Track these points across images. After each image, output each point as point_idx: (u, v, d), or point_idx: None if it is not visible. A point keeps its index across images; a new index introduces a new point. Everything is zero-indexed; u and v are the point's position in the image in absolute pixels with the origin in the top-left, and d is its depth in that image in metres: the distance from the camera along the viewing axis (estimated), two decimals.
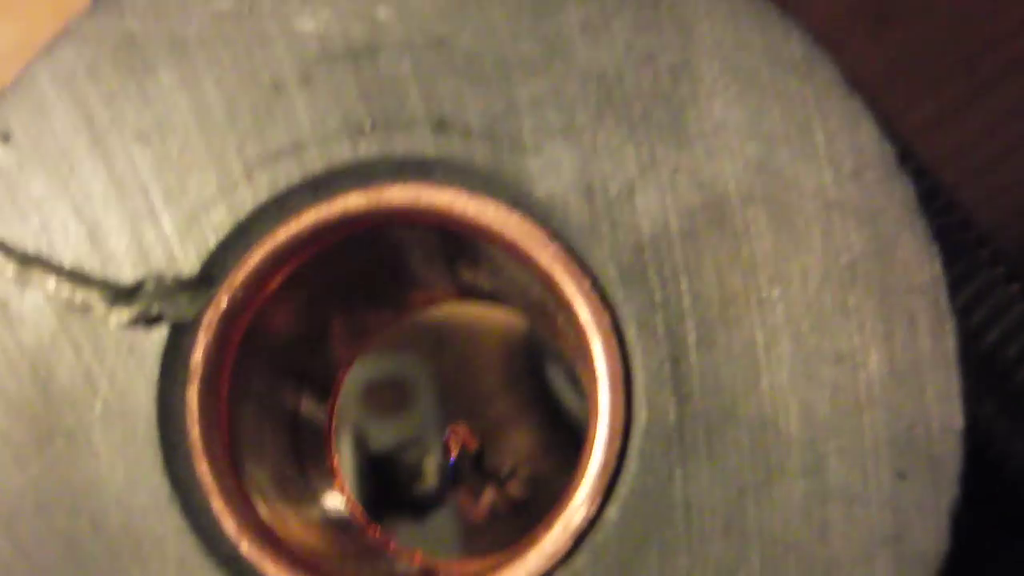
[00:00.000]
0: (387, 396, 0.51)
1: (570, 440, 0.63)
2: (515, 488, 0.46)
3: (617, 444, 0.27)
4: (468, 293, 0.35)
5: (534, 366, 0.68)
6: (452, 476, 0.42)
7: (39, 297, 0.29)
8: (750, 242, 0.28)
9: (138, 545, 0.28)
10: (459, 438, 0.39)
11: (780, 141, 0.28)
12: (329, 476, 0.35)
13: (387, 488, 0.42)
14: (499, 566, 0.28)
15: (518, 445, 0.66)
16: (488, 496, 0.47)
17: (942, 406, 0.27)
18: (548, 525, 0.27)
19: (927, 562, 0.27)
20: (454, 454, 0.39)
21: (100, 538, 0.28)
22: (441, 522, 0.51)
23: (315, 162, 0.29)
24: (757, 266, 0.28)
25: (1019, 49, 0.57)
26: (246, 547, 0.28)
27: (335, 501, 0.34)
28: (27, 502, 0.29)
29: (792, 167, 0.28)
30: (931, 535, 0.27)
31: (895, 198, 0.28)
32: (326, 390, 0.35)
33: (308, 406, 0.34)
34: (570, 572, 0.28)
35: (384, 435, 0.52)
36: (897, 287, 0.27)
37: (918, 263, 0.28)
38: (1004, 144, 0.54)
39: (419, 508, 0.48)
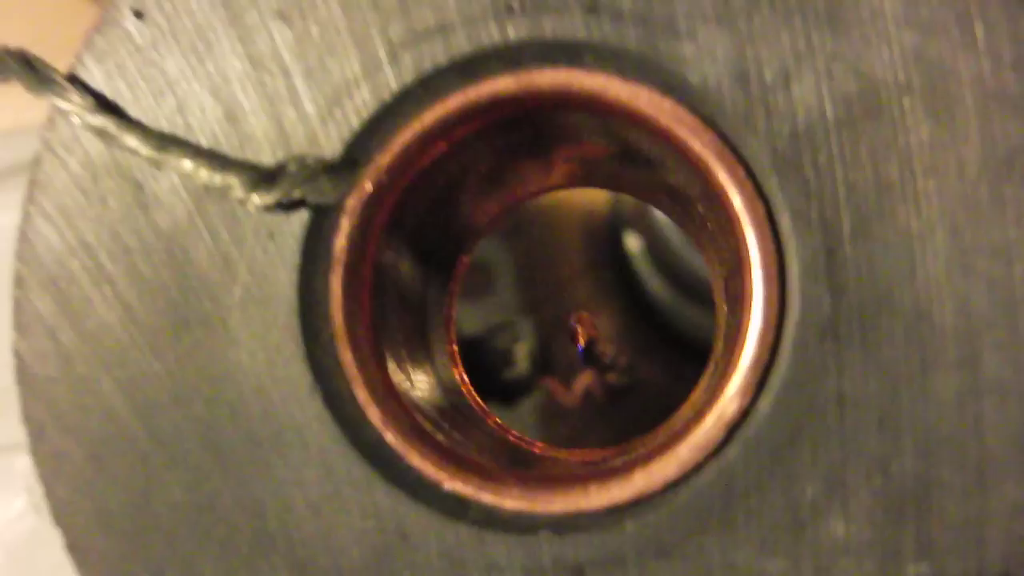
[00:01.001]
0: (470, 281, 0.51)
1: (652, 327, 0.64)
2: (615, 375, 0.46)
3: (771, 336, 0.28)
4: (593, 179, 0.35)
5: (616, 252, 0.68)
6: (584, 362, 0.42)
7: (175, 179, 0.29)
8: (906, 132, 0.28)
9: (279, 435, 0.28)
10: (587, 325, 0.39)
11: (938, 30, 0.28)
12: (451, 362, 0.34)
13: (479, 374, 0.42)
14: (647, 457, 0.28)
15: (601, 331, 0.66)
16: (582, 383, 0.48)
17: None
18: (700, 417, 0.27)
19: None
20: (582, 341, 0.39)
21: (239, 427, 0.29)
22: (528, 409, 0.51)
23: (462, 43, 0.29)
24: (913, 156, 0.28)
25: None
26: (391, 437, 0.28)
27: (456, 388, 0.34)
28: (164, 390, 0.29)
29: (950, 56, 0.28)
30: None
31: None
32: (449, 274, 0.34)
33: (434, 290, 0.34)
34: (722, 464, 0.28)
35: (470, 320, 0.52)
36: None
37: None
38: None
39: (509, 394, 0.49)
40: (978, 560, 0.29)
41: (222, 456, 0.31)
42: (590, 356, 0.49)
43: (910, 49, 0.30)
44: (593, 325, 0.42)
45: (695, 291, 0.65)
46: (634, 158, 0.34)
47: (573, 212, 0.73)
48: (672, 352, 0.65)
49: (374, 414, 0.30)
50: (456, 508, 0.30)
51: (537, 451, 0.36)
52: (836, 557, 0.29)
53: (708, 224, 0.34)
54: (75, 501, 0.31)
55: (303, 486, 0.30)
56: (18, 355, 0.31)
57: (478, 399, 0.38)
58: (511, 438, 0.36)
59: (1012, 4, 0.30)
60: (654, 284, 0.67)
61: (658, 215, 0.65)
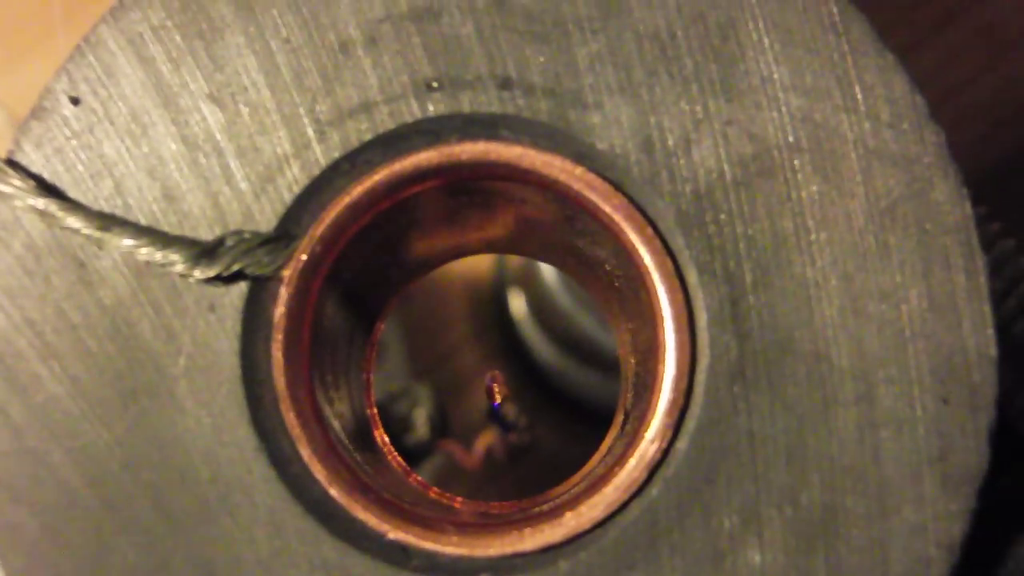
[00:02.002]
0: None
1: (540, 390, 0.66)
2: (517, 435, 0.49)
3: (684, 382, 0.31)
4: (503, 244, 0.37)
5: (502, 316, 0.70)
6: (494, 420, 0.44)
7: (117, 257, 0.30)
8: (798, 188, 0.31)
9: (227, 496, 0.30)
10: (502, 384, 0.41)
11: (821, 94, 0.31)
12: (372, 424, 0.37)
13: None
14: (575, 500, 0.30)
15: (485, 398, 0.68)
16: (483, 444, 0.50)
17: (978, 336, 0.31)
18: (623, 460, 0.30)
19: (970, 479, 0.30)
20: (499, 399, 0.41)
21: (189, 491, 0.30)
22: (426, 472, 0.54)
23: (385, 120, 0.31)
24: (805, 211, 0.31)
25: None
26: (336, 492, 0.30)
27: (378, 448, 0.36)
28: (114, 459, 0.31)
29: (834, 118, 0.31)
30: (973, 454, 0.30)
31: (929, 145, 0.31)
32: (367, 338, 0.37)
33: (355, 354, 0.36)
34: (645, 503, 0.31)
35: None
36: (933, 228, 0.31)
37: (951, 205, 0.31)
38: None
39: (409, 458, 0.51)
40: None
41: (173, 519, 0.32)
42: (498, 415, 0.51)
43: (798, 112, 0.33)
44: (505, 384, 0.45)
45: (581, 352, 0.68)
46: (543, 224, 0.37)
47: (457, 279, 0.75)
48: (560, 413, 0.68)
49: (319, 471, 0.32)
50: (400, 557, 0.32)
51: (457, 506, 0.38)
52: None
53: (616, 282, 0.37)
54: (30, 570, 0.32)
55: (253, 543, 0.32)
56: None
57: (399, 458, 0.40)
58: (432, 494, 0.38)
59: (887, 68, 0.33)
60: (541, 347, 0.70)
61: (545, 278, 0.67)
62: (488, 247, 0.40)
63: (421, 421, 0.55)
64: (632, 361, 0.38)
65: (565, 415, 0.67)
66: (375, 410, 0.40)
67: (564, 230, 0.36)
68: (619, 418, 0.40)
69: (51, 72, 0.33)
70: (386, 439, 0.40)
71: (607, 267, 0.36)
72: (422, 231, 0.37)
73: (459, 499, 0.39)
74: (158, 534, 0.32)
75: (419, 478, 0.39)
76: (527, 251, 0.41)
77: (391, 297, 0.41)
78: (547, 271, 0.66)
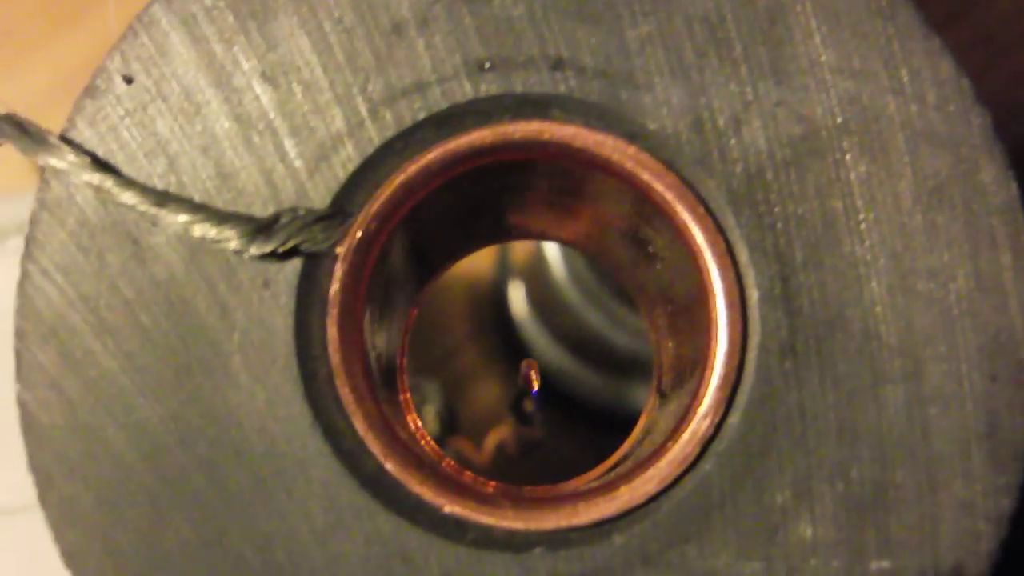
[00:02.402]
0: None
1: (544, 390, 0.66)
2: (533, 429, 0.49)
3: (736, 358, 0.31)
4: (546, 228, 0.38)
5: (502, 315, 0.70)
6: (518, 412, 0.44)
7: (171, 234, 0.31)
8: (847, 169, 0.31)
9: (282, 470, 0.31)
10: (537, 372, 0.41)
11: (869, 77, 0.32)
12: (405, 410, 0.37)
13: None
14: (630, 475, 0.30)
15: (487, 396, 0.69)
16: (493, 440, 0.50)
17: None
18: (676, 436, 0.30)
19: (1018, 454, 0.31)
20: (536, 386, 0.41)
21: (244, 466, 0.31)
22: None
23: (438, 100, 0.32)
24: (854, 191, 0.31)
25: None
26: (391, 466, 0.31)
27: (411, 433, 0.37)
28: (169, 434, 0.31)
29: (881, 100, 0.32)
30: (1020, 430, 0.31)
31: (974, 127, 0.32)
32: (403, 323, 0.37)
33: (393, 338, 0.36)
34: (699, 476, 0.31)
35: None
36: (979, 208, 0.31)
37: (997, 186, 0.32)
38: None
39: None
40: (933, 554, 0.32)
41: (228, 493, 0.32)
42: (522, 407, 0.52)
43: (846, 95, 0.33)
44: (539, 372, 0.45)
45: (587, 352, 0.68)
46: (593, 208, 0.37)
47: (458, 279, 0.76)
48: (560, 412, 0.68)
49: (374, 445, 0.32)
50: (455, 531, 0.32)
51: (490, 491, 0.38)
52: (806, 558, 0.32)
53: (658, 264, 0.38)
54: (86, 545, 0.32)
55: (308, 517, 0.32)
56: (23, 405, 0.33)
57: (432, 443, 0.40)
58: (465, 479, 0.39)
59: (933, 51, 0.34)
60: (545, 346, 0.70)
61: (552, 272, 0.68)
62: (526, 232, 0.40)
63: (430, 417, 0.55)
64: (670, 344, 0.39)
65: (564, 414, 0.68)
66: (408, 395, 0.41)
67: (614, 212, 0.36)
68: (653, 400, 0.40)
69: (101, 47, 0.34)
70: (419, 423, 0.40)
71: (650, 248, 0.37)
72: (470, 213, 0.37)
73: (492, 483, 0.39)
74: (213, 508, 0.32)
75: (452, 462, 0.40)
76: (565, 235, 0.42)
77: (429, 280, 0.42)
78: (554, 264, 0.66)
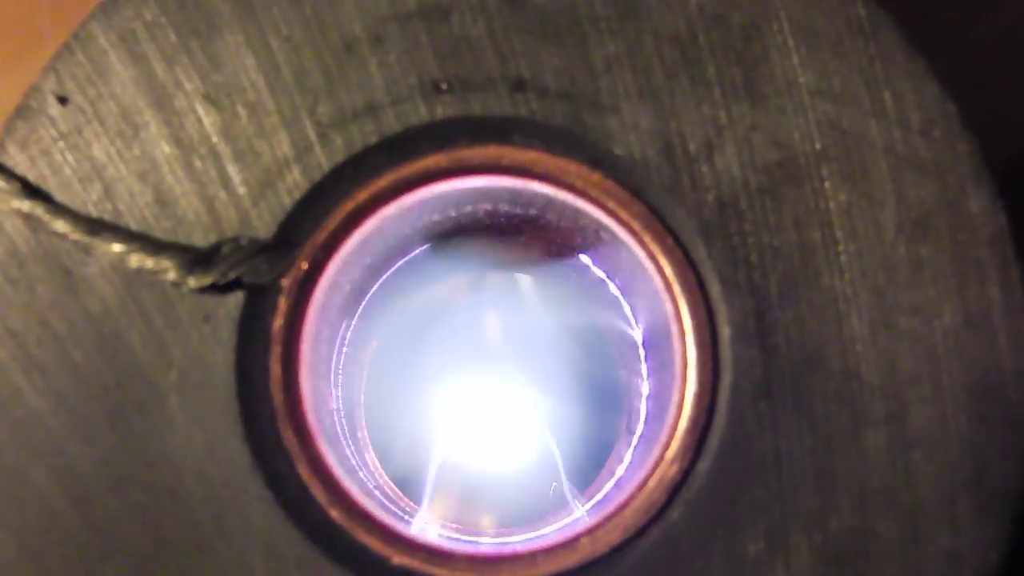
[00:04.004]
0: None
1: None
2: None
3: (706, 399, 0.29)
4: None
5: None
6: None
7: (105, 264, 0.29)
8: (826, 197, 0.30)
9: (221, 518, 0.29)
10: None
11: (849, 100, 0.30)
12: (361, 446, 0.35)
13: None
14: (594, 527, 0.29)
15: None
16: None
17: (1015, 352, 0.29)
18: (642, 483, 0.28)
19: (1007, 502, 0.29)
20: None
21: (180, 513, 0.29)
22: None
23: (391, 123, 0.30)
24: (834, 221, 0.30)
25: None
26: (336, 514, 0.29)
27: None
28: (100, 478, 0.29)
29: (862, 124, 0.30)
30: (1010, 476, 0.29)
31: (961, 153, 0.30)
32: (362, 357, 0.35)
33: (350, 374, 0.34)
34: (666, 526, 0.29)
35: None
36: (966, 240, 0.30)
37: (984, 216, 0.30)
38: None
39: None
40: None
41: (162, 542, 0.31)
42: None
43: (825, 118, 0.32)
44: None
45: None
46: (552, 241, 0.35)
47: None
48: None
49: (318, 492, 0.30)
50: None
51: (444, 542, 0.37)
52: None
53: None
54: None
55: (248, 569, 0.30)
56: None
57: (390, 483, 0.39)
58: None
59: (917, 73, 0.32)
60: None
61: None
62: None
63: None
64: (640, 384, 0.37)
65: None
66: (366, 431, 0.39)
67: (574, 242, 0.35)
68: (622, 440, 0.38)
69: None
70: (376, 462, 0.39)
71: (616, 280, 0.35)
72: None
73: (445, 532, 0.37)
74: (146, 559, 0.30)
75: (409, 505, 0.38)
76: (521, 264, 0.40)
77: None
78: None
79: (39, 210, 0.31)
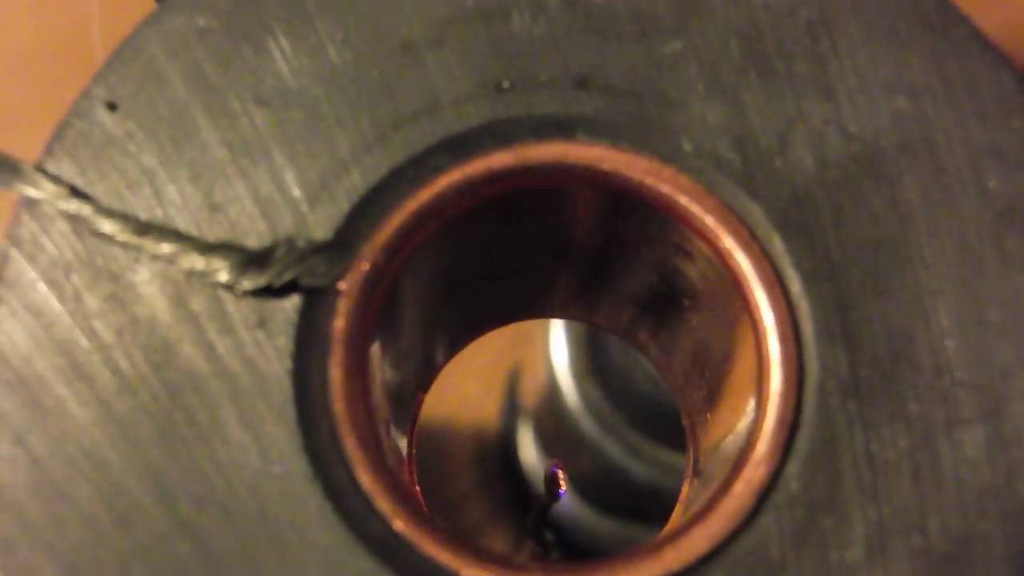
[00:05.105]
0: None
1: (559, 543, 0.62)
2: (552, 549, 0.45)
3: (792, 398, 0.28)
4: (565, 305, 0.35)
5: (510, 464, 0.67)
6: (540, 529, 0.41)
7: (155, 269, 0.28)
8: (904, 190, 0.29)
9: (277, 534, 0.27)
10: (564, 473, 0.38)
11: (924, 92, 0.29)
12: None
13: None
14: (674, 537, 0.27)
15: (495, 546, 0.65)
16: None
17: None
18: (727, 487, 0.27)
19: None
20: (564, 486, 0.38)
21: (233, 529, 0.27)
22: None
23: (452, 123, 0.29)
24: (914, 213, 0.29)
25: None
26: (401, 525, 0.27)
27: None
28: (148, 494, 0.27)
29: (938, 117, 0.29)
30: None
31: None
32: (410, 410, 0.34)
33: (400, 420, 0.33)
34: (756, 533, 0.27)
35: None
36: None
37: None
38: None
39: None
40: None
41: (214, 561, 0.29)
42: (540, 527, 0.48)
43: (899, 111, 0.31)
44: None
45: (599, 492, 0.64)
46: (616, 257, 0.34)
47: (464, 424, 0.73)
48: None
49: (381, 502, 0.29)
50: None
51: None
52: None
53: (693, 319, 0.35)
54: None
55: None
56: None
57: None
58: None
59: (992, 64, 0.31)
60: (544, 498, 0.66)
61: (567, 402, 0.64)
62: (548, 303, 0.37)
63: None
64: (707, 417, 0.36)
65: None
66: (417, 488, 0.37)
67: (646, 258, 0.33)
68: (687, 485, 0.37)
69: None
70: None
71: (685, 301, 0.34)
72: (488, 266, 0.34)
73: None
74: None
75: None
76: (593, 309, 0.39)
77: (435, 369, 0.38)
78: (568, 395, 0.63)
79: (86, 211, 0.29)
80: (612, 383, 0.63)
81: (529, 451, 0.69)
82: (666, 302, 0.35)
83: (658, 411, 0.62)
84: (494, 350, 0.73)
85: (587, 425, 0.63)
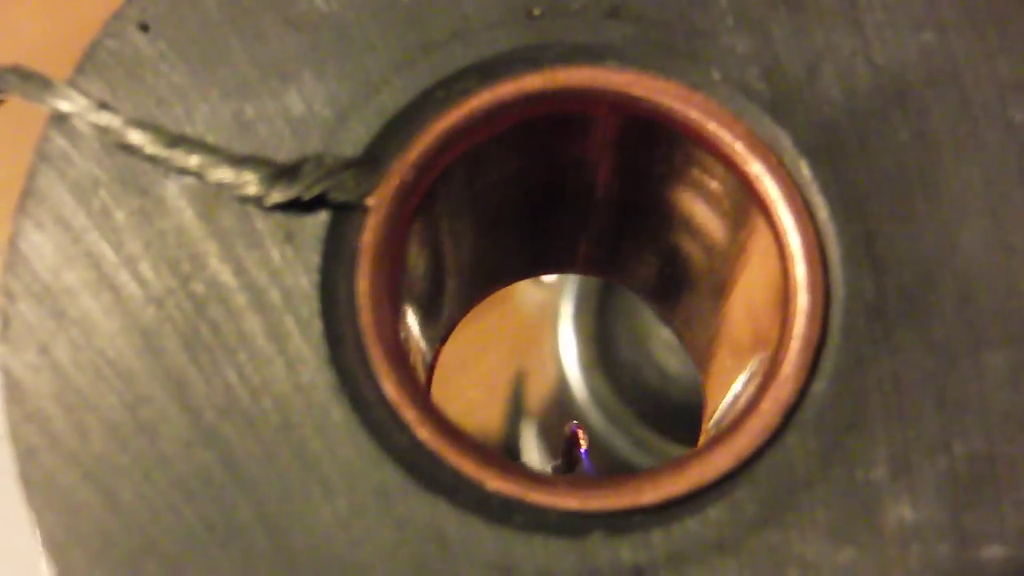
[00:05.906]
0: None
1: None
2: None
3: (818, 319, 0.28)
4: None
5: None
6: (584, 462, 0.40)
7: (183, 183, 0.28)
8: (931, 120, 0.29)
9: (300, 444, 0.27)
10: (584, 431, 0.38)
11: (951, 27, 0.29)
12: None
13: None
14: (699, 453, 0.27)
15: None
16: None
17: None
18: (754, 406, 0.27)
19: None
20: (584, 445, 0.38)
21: (257, 439, 0.28)
22: None
23: (482, 48, 0.29)
24: (940, 143, 0.29)
25: None
26: (426, 434, 0.27)
27: None
28: (171, 403, 0.27)
29: (965, 52, 0.30)
30: None
31: None
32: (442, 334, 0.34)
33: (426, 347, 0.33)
34: (782, 450, 0.27)
35: None
36: None
37: None
38: None
39: None
40: None
41: (238, 471, 0.28)
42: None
43: (927, 45, 0.31)
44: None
45: None
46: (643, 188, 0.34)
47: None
48: None
49: (406, 412, 0.28)
50: (500, 512, 0.28)
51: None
52: (907, 543, 0.28)
53: (717, 260, 0.35)
54: (71, 527, 0.28)
55: (330, 498, 0.28)
56: (6, 371, 0.29)
57: None
58: None
59: (1019, 0, 0.31)
60: None
61: (575, 396, 0.64)
62: (573, 251, 0.37)
63: None
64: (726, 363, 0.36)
65: None
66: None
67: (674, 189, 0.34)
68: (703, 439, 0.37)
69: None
70: None
71: (707, 240, 0.34)
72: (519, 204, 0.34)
73: None
74: (219, 487, 0.28)
75: None
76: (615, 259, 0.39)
77: (457, 315, 0.38)
78: (577, 390, 0.63)
79: (116, 122, 0.30)
80: (620, 377, 0.63)
81: (532, 457, 0.69)
82: (693, 241, 0.35)
83: (666, 406, 0.62)
84: (498, 356, 0.73)
85: (595, 419, 0.62)
